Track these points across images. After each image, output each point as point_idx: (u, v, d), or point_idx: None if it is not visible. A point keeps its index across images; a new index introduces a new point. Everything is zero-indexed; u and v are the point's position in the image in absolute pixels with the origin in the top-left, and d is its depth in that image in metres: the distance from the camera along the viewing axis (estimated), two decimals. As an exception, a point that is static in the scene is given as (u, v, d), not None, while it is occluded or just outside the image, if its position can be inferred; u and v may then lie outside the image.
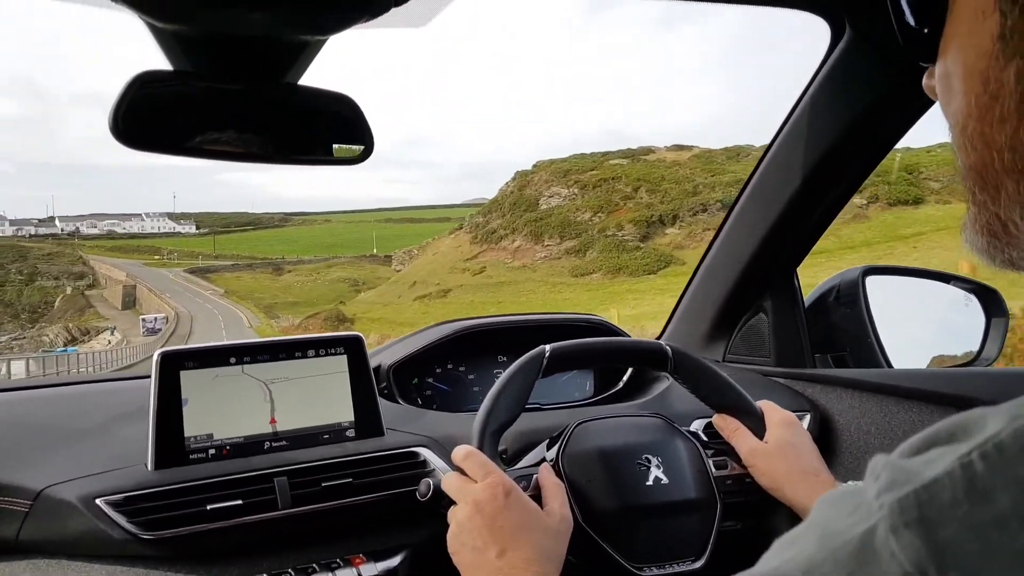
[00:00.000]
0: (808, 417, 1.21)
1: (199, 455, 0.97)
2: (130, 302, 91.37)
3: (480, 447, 0.88)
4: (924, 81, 0.49)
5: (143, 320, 62.33)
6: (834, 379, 1.25)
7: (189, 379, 1.00)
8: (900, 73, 1.04)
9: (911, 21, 0.47)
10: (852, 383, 1.22)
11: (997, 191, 0.42)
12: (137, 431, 0.98)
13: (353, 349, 1.11)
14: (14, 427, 1.01)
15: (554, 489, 0.88)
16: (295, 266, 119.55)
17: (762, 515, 1.03)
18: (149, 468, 0.94)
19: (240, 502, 0.92)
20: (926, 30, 0.46)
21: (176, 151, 0.85)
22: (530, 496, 0.85)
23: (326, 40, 0.78)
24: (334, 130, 0.93)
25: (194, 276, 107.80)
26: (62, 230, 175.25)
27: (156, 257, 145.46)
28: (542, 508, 0.85)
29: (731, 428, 1.03)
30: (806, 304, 1.41)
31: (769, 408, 1.04)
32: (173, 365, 0.99)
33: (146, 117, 0.78)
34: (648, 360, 1.06)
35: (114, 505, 0.87)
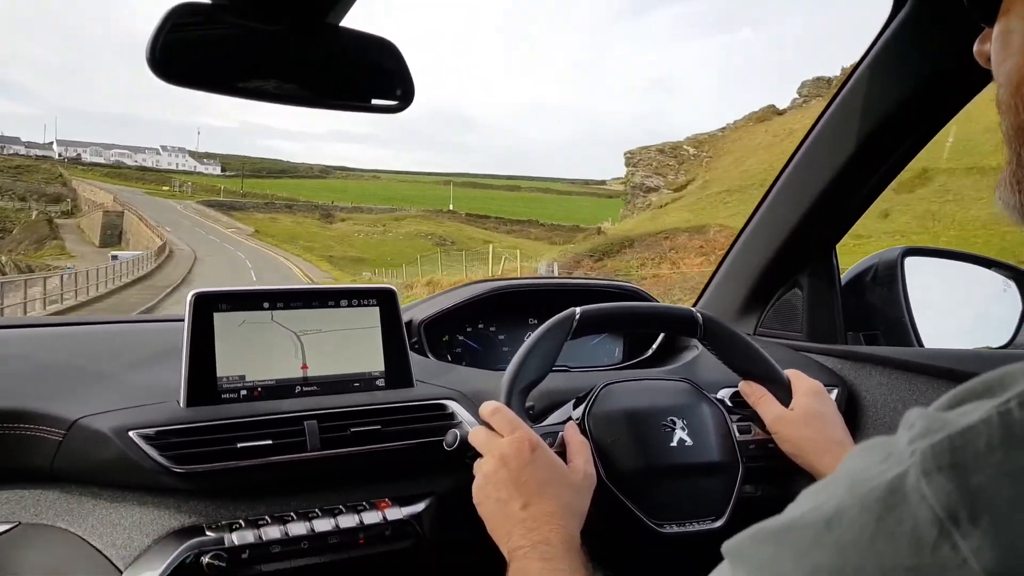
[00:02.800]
0: (836, 392, 1.20)
1: (231, 395, 0.99)
2: (113, 236, 64.33)
3: (508, 403, 0.89)
4: (976, 46, 0.47)
5: (115, 259, 38.75)
6: (864, 356, 1.24)
7: (222, 321, 1.01)
8: (960, 46, 1.00)
9: None
10: (883, 360, 1.20)
11: None
12: (170, 370, 0.99)
13: (386, 301, 1.11)
14: (52, 360, 1.03)
15: (579, 447, 0.89)
16: (350, 214, 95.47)
17: (783, 481, 1.03)
18: (181, 405, 0.95)
19: (270, 442, 0.93)
20: None
21: (212, 87, 0.84)
22: (555, 452, 0.85)
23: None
24: (374, 76, 0.92)
25: (212, 210, 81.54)
26: (59, 155, 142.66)
27: (165, 188, 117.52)
28: (567, 464, 0.85)
29: (757, 395, 1.03)
30: (842, 282, 1.39)
31: (796, 377, 1.04)
32: (207, 306, 1.00)
33: (183, 51, 0.77)
34: (678, 326, 1.07)
35: (146, 438, 0.89)
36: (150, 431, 0.90)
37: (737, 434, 1.01)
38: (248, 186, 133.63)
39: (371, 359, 1.08)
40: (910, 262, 1.37)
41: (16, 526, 0.88)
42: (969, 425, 0.33)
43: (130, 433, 0.89)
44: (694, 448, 0.95)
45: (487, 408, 0.87)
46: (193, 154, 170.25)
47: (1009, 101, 0.43)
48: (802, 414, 0.98)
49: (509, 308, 1.39)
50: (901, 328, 1.32)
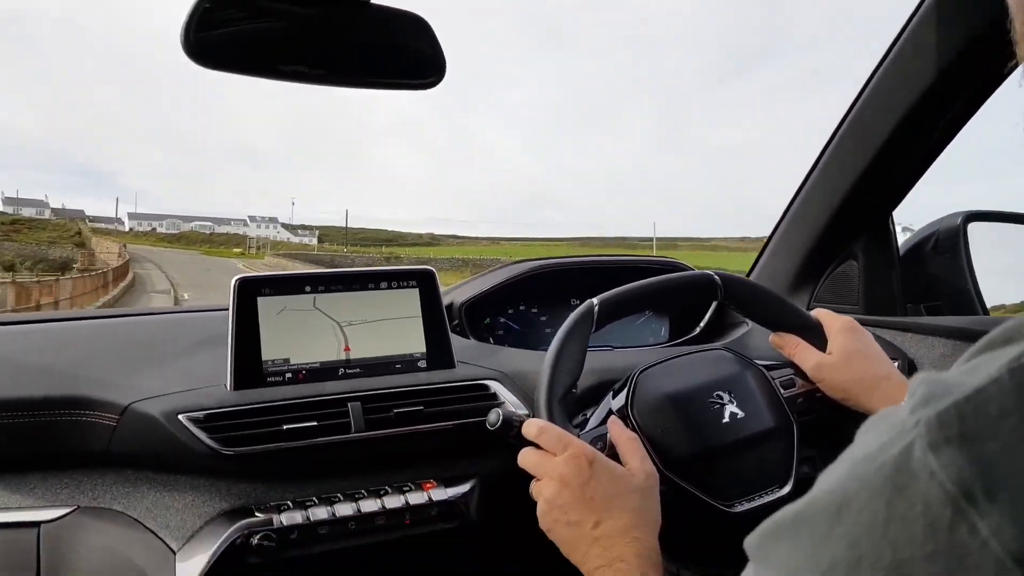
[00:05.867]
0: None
1: (276, 378, 0.99)
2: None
3: (550, 417, 0.85)
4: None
5: None
6: (927, 327, 1.17)
7: (266, 305, 1.02)
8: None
9: None
10: (945, 331, 1.13)
11: None
12: (217, 355, 1.01)
13: (425, 283, 1.10)
14: (102, 349, 1.06)
15: (630, 444, 0.84)
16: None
17: (840, 433, 0.99)
18: (228, 388, 0.97)
19: (315, 423, 0.94)
20: None
21: (244, 70, 0.84)
22: (608, 456, 0.81)
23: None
24: (405, 53, 0.90)
25: (295, 262, 59.23)
26: (130, 229, 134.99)
27: (237, 249, 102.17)
28: (625, 468, 0.80)
29: (792, 345, 0.99)
30: (900, 251, 1.32)
31: (826, 316, 0.99)
32: (251, 291, 1.01)
33: (215, 33, 0.77)
34: (698, 292, 1.02)
35: (195, 421, 0.91)
36: (199, 414, 0.91)
37: (782, 391, 0.97)
38: (351, 252, 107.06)
39: (412, 341, 1.08)
40: (973, 228, 1.30)
41: (75, 510, 0.91)
42: (977, 388, 0.29)
43: (180, 416, 0.91)
44: (747, 419, 0.91)
45: (532, 428, 0.82)
46: (287, 226, 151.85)
47: None
48: (841, 355, 0.94)
49: (549, 288, 1.37)
50: (965, 298, 1.26)
